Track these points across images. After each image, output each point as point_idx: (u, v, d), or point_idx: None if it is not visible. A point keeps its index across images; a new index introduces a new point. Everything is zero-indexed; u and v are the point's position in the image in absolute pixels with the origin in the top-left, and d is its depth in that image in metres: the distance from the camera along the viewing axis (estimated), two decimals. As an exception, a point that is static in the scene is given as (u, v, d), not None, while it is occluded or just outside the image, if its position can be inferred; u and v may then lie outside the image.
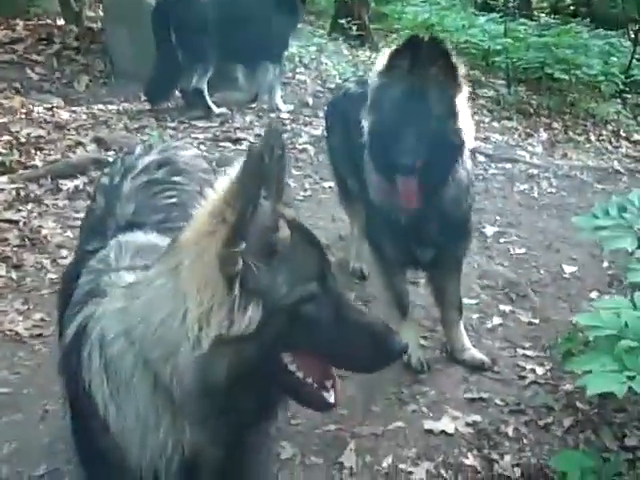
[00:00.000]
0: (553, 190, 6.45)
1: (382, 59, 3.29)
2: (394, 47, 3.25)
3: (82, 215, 4.87)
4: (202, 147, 6.36)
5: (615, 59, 10.96)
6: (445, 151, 3.23)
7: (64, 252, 4.47)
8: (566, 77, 9.88)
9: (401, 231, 3.49)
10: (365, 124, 3.38)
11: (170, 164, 2.69)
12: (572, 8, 14.92)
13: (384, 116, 3.24)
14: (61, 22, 9.15)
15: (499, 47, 10.34)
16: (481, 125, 8.38)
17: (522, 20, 12.05)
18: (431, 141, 3.14)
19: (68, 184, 5.35)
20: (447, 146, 3.22)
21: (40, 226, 4.79)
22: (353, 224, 4.62)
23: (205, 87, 7.24)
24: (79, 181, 5.40)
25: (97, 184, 2.83)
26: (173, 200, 2.57)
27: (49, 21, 9.17)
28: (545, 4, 17.14)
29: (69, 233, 4.71)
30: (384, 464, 3.09)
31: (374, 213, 3.68)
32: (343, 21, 10.93)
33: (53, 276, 4.22)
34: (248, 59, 7.53)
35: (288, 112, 7.55)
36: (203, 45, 7.08)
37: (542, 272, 4.88)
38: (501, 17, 11.51)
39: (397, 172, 3.20)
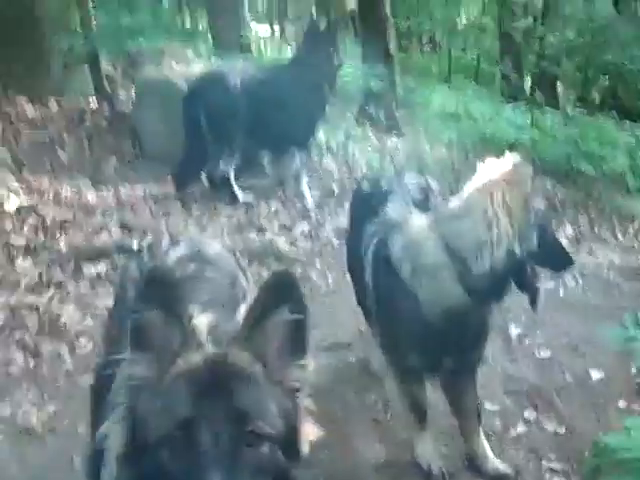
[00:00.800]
0: (579, 290, 6.35)
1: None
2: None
3: (103, 302, 4.91)
4: (225, 236, 6.37)
5: (641, 153, 10.96)
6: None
7: (83, 341, 4.45)
8: (592, 171, 9.84)
9: (428, 340, 3.44)
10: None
11: (200, 258, 2.67)
12: (598, 99, 14.96)
13: None
14: (94, 103, 9.29)
15: (525, 139, 10.35)
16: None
17: (548, 111, 12.11)
18: None
19: (91, 269, 5.34)
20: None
21: (60, 313, 4.76)
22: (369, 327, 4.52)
23: (232, 173, 7.27)
24: (102, 266, 5.40)
25: (124, 274, 2.79)
26: (205, 295, 2.49)
27: (82, 102, 9.31)
28: (571, 93, 17.25)
29: (89, 321, 4.68)
30: None
31: (395, 321, 3.61)
32: (371, 109, 11.01)
33: (70, 367, 4.17)
34: (275, 146, 7.59)
35: (313, 201, 7.55)
36: (232, 131, 7.14)
37: (568, 377, 4.77)
38: (527, 106, 11.59)
39: None
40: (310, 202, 7.50)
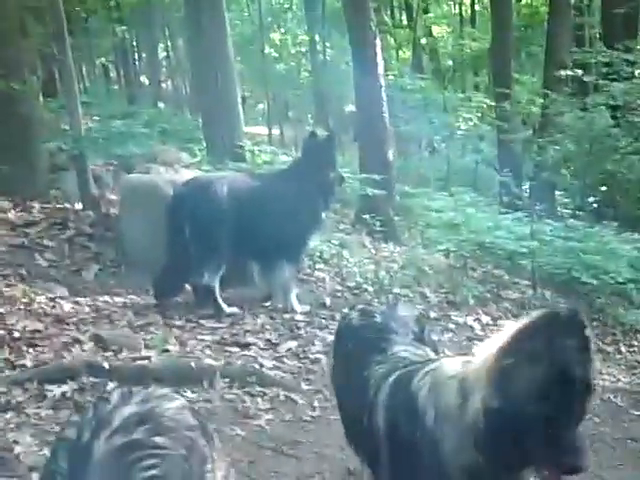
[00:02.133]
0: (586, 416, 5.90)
1: (506, 336, 2.75)
2: (524, 324, 2.72)
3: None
4: (207, 351, 5.99)
5: (644, 265, 10.70)
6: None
7: (35, 476, 3.98)
8: (594, 282, 9.58)
9: None
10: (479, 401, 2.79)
11: (152, 420, 2.27)
12: (597, 208, 14.82)
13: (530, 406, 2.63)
14: (79, 206, 9.04)
15: (525, 250, 10.09)
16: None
17: (548, 221, 11.91)
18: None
19: (55, 390, 4.90)
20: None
21: (15, 441, 4.31)
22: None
23: (217, 284, 6.94)
24: (67, 387, 4.95)
25: (59, 439, 2.39)
26: (154, 472, 2.13)
27: (67, 205, 9.06)
28: (569, 202, 17.15)
29: (45, 451, 4.23)
30: None
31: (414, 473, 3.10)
32: (367, 216, 10.79)
33: (18, 508, 3.72)
34: (264, 257, 7.27)
35: (303, 314, 7.18)
36: (217, 241, 6.87)
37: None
38: (526, 217, 11.38)
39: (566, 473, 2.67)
40: (299, 317, 7.11)
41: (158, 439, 2.23)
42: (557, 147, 13.85)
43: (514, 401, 2.63)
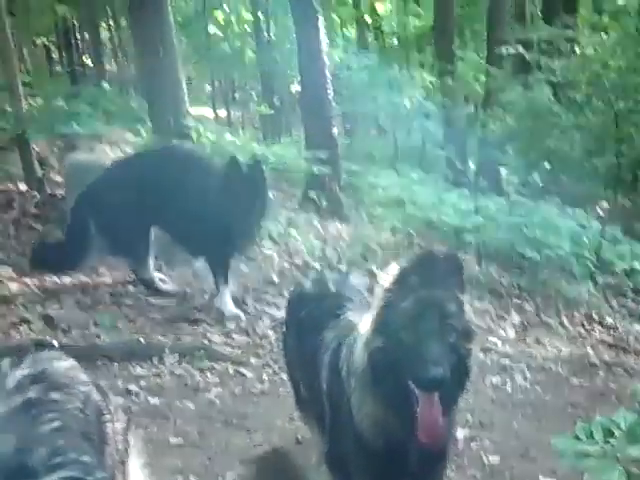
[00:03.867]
0: (527, 385, 6.08)
1: (389, 275, 2.96)
2: (405, 264, 2.92)
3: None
4: (157, 328, 6.02)
5: (585, 240, 10.93)
6: (462, 369, 2.90)
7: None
8: (537, 257, 9.75)
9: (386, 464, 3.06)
10: (364, 348, 2.98)
11: (46, 379, 2.35)
12: (540, 185, 15.05)
13: (400, 335, 2.81)
14: (23, 187, 8.94)
15: (469, 225, 10.24)
16: (452, 306, 8.13)
17: (492, 197, 12.10)
18: (451, 358, 2.79)
19: (4, 369, 4.90)
20: (463, 363, 2.90)
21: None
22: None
23: (151, 265, 6.86)
24: (16, 367, 4.95)
25: None
26: (56, 424, 2.20)
27: (11, 186, 8.95)
28: (515, 179, 17.40)
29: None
30: None
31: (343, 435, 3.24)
32: (313, 194, 10.83)
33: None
34: (189, 249, 6.95)
35: (231, 320, 6.51)
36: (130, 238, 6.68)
37: (517, 486, 4.46)
38: (471, 193, 11.55)
39: (424, 388, 2.74)
40: (230, 313, 6.60)
41: (54, 394, 2.31)
42: (500, 123, 14.01)
43: (391, 336, 2.83)
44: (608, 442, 3.13)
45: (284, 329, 4.37)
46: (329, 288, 3.84)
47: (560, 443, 3.17)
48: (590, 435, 3.21)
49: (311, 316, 3.72)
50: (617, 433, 3.21)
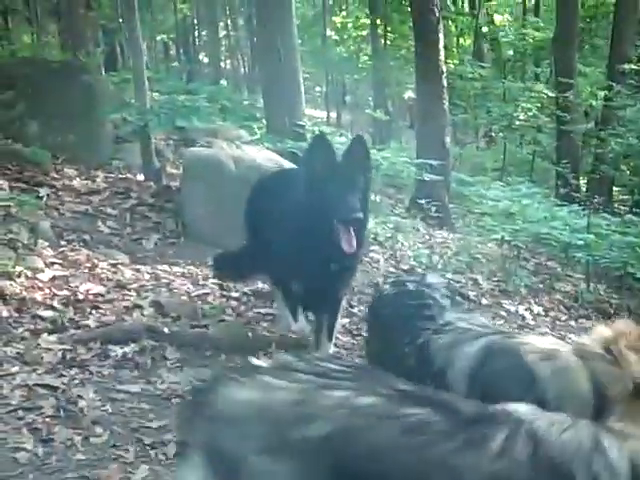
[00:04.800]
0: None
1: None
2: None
3: (125, 387, 4.64)
4: (263, 323, 6.08)
5: None
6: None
7: (99, 429, 4.13)
8: (652, 279, 9.50)
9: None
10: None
11: None
12: (655, 204, 14.63)
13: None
14: (141, 177, 9.22)
15: (580, 242, 10.02)
16: (557, 322, 8.00)
17: (604, 215, 11.80)
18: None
19: (117, 351, 5.06)
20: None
21: (79, 396, 4.46)
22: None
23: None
24: (129, 348, 5.10)
25: None
26: None
27: (129, 175, 9.25)
28: (627, 198, 16.96)
29: (108, 407, 4.39)
30: None
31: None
32: (422, 201, 10.80)
33: (82, 457, 3.85)
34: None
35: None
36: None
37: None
38: (583, 209, 11.30)
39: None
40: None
41: None
42: (618, 140, 13.64)
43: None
44: None
45: (367, 335, 4.42)
46: (410, 289, 3.85)
47: None
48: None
49: (398, 320, 3.72)
50: None
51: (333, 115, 23.79)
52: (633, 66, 14.55)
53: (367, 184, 4.90)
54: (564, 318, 8.23)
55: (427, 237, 10.11)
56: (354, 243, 4.71)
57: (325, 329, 5.32)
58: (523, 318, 7.98)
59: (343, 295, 5.48)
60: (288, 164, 8.47)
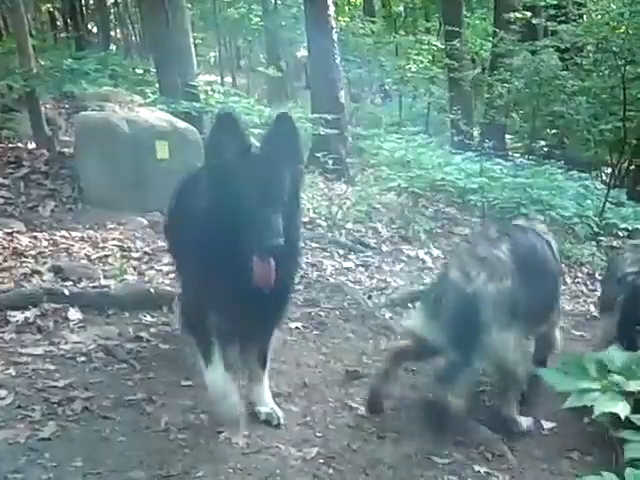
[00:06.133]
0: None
1: None
2: None
3: (28, 350, 4.61)
4: (166, 280, 6.09)
5: (589, 202, 11.03)
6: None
7: (2, 392, 4.11)
8: (541, 217, 9.83)
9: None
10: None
11: None
12: (545, 150, 15.10)
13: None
14: (32, 145, 9.02)
15: (475, 186, 10.33)
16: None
17: (497, 160, 12.16)
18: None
19: (18, 316, 5.01)
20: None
21: (-21, 362, 4.42)
22: None
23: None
24: (30, 313, 5.04)
25: None
26: None
27: (20, 144, 9.04)
28: (519, 145, 17.45)
29: (11, 370, 4.36)
30: None
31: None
32: (320, 155, 10.89)
33: (-15, 421, 3.84)
34: None
35: None
36: None
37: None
38: (477, 156, 11.61)
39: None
40: None
41: None
42: (505, 86, 14.00)
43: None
44: (608, 378, 3.23)
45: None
46: None
47: (547, 374, 3.27)
48: (584, 370, 3.30)
49: None
50: (613, 369, 3.32)
51: (228, 80, 23.58)
52: (518, 15, 14.87)
53: (297, 183, 3.66)
54: (462, 260, 8.44)
55: (326, 190, 10.22)
56: (271, 277, 3.44)
57: (255, 358, 4.19)
58: (423, 262, 8.21)
59: (276, 325, 4.19)
60: (182, 124, 8.44)
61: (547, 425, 4.59)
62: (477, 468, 4.01)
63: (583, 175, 12.75)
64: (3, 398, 4.06)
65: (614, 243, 10.14)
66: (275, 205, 3.38)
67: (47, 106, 10.03)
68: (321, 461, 3.89)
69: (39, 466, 3.51)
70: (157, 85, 10.87)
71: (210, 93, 10.59)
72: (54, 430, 3.81)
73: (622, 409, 2.95)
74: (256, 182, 3.40)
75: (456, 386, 4.08)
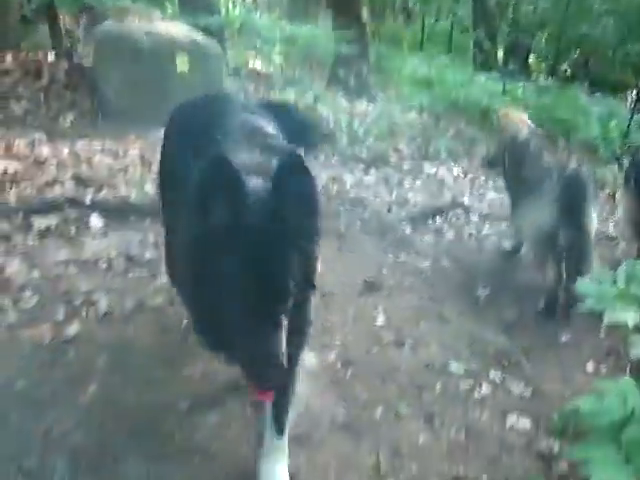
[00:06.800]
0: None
1: None
2: None
3: (51, 255, 4.67)
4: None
5: (613, 124, 10.89)
6: None
7: (27, 294, 4.18)
8: (564, 138, 9.75)
9: None
10: None
11: None
12: (569, 71, 14.88)
13: None
14: (52, 57, 8.97)
15: (497, 106, 10.20)
16: (476, 182, 8.21)
17: (520, 81, 12.00)
18: None
19: (40, 222, 5.06)
20: None
21: (5, 265, 4.49)
22: None
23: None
24: (52, 220, 5.11)
25: None
26: None
27: (40, 56, 8.97)
28: (543, 66, 17.18)
29: (35, 274, 4.42)
30: None
31: None
32: (341, 73, 10.75)
33: (12, 319, 3.91)
34: None
35: None
36: None
37: (535, 339, 4.62)
38: (499, 77, 11.47)
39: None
40: None
41: None
42: (532, 5, 13.74)
43: None
44: (629, 288, 3.22)
45: None
46: None
47: (583, 287, 3.26)
48: (614, 281, 3.30)
49: None
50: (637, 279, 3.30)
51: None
52: None
53: (309, 264, 2.52)
54: (482, 179, 8.42)
55: (347, 107, 10.13)
56: (267, 397, 2.64)
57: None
58: (443, 179, 8.18)
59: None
60: (203, 38, 8.35)
61: (563, 337, 4.64)
62: (492, 375, 4.07)
63: (607, 97, 12.55)
64: (28, 300, 4.12)
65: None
66: (274, 311, 2.32)
67: (66, 18, 9.91)
68: (339, 366, 3.96)
69: (63, 363, 3.59)
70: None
71: (232, 8, 10.45)
72: (77, 331, 3.89)
73: (633, 317, 2.93)
74: (247, 271, 2.29)
75: None
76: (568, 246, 4.88)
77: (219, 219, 2.31)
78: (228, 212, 2.30)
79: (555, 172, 4.90)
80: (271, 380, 2.31)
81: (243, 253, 2.28)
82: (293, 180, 2.35)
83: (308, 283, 2.52)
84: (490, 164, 6.30)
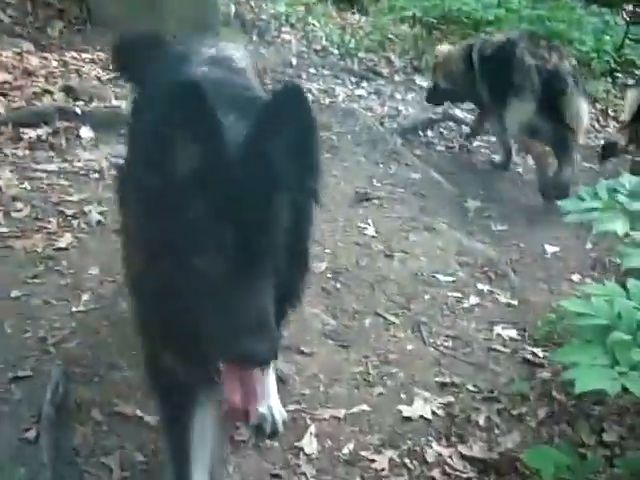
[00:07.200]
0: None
1: None
2: None
3: (42, 166, 4.66)
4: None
5: (608, 37, 10.76)
6: None
7: (19, 205, 4.19)
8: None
9: None
10: None
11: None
12: (568, -17, 14.59)
13: None
14: (37, -38, 8.73)
15: (491, 17, 10.07)
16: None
17: (515, -9, 11.78)
18: None
19: (30, 133, 5.02)
20: None
21: (-5, 176, 4.49)
22: None
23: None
24: (42, 130, 5.06)
25: None
26: None
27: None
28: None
29: (26, 185, 4.42)
30: (345, 450, 2.87)
31: None
32: (333, -17, 10.57)
33: (4, 229, 3.94)
34: None
35: None
36: None
37: (523, 251, 4.69)
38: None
39: None
40: None
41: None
42: None
43: None
44: (614, 199, 3.26)
45: None
46: None
47: (566, 204, 3.30)
48: (595, 195, 3.34)
49: None
50: (622, 191, 3.34)
51: None
52: None
53: (306, 216, 1.97)
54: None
55: (339, 19, 9.98)
56: (250, 402, 1.84)
57: None
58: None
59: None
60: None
61: (550, 249, 4.71)
62: (480, 286, 4.15)
63: (603, 10, 12.35)
64: (20, 210, 4.14)
65: (629, 81, 9.96)
66: (260, 271, 1.77)
67: None
68: (329, 275, 4.02)
69: (57, 273, 3.64)
70: None
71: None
72: (70, 241, 3.92)
73: (621, 227, 2.97)
74: (228, 222, 1.73)
75: None
76: (548, 139, 4.99)
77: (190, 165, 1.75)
78: (201, 155, 1.74)
79: (534, 70, 4.95)
80: (264, 355, 1.72)
81: (220, 209, 1.73)
82: (291, 114, 1.81)
83: (304, 235, 1.98)
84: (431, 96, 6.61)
